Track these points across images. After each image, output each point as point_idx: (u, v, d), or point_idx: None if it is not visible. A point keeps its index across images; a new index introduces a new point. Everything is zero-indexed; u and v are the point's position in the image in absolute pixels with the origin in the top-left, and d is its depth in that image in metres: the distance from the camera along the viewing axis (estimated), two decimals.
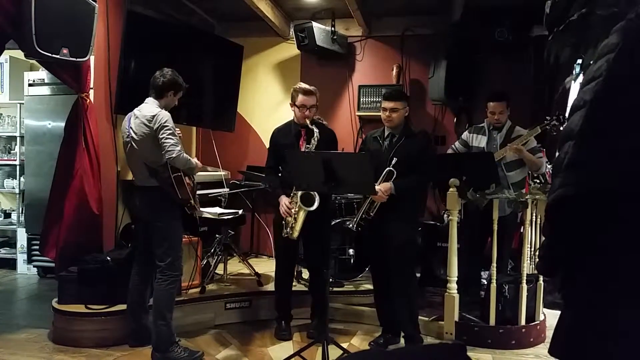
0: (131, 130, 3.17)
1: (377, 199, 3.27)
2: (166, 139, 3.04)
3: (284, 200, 3.53)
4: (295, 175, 3.27)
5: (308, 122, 3.52)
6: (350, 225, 3.35)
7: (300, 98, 3.53)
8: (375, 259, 3.53)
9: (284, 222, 3.52)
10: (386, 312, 3.54)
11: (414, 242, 3.41)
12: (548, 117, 3.83)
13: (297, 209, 3.46)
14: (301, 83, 3.68)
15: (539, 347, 3.59)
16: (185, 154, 3.11)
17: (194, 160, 3.27)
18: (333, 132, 3.80)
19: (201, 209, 3.67)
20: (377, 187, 3.20)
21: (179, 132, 3.30)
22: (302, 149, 3.52)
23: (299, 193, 3.44)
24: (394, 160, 3.28)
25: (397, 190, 3.26)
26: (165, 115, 3.10)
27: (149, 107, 3.17)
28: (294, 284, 4.09)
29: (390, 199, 3.26)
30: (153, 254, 3.23)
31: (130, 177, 4.38)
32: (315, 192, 3.40)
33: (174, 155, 3.03)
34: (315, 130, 3.50)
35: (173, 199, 3.15)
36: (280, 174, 3.71)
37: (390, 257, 3.34)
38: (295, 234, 3.48)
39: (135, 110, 3.21)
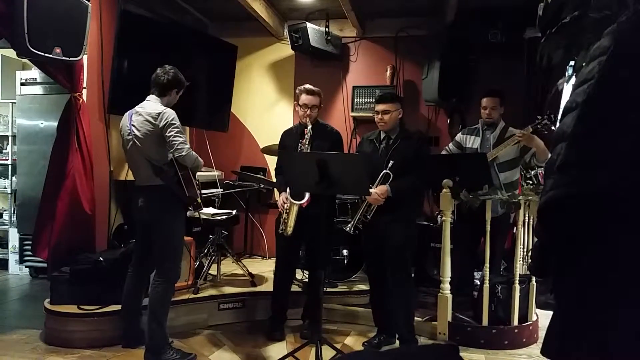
0: (133, 128, 3.11)
1: (373, 201, 3.28)
2: (174, 136, 3.02)
3: (282, 196, 3.57)
4: (290, 176, 3.27)
5: (308, 121, 3.57)
6: (348, 228, 3.36)
7: (303, 97, 3.61)
8: (372, 260, 3.53)
9: (281, 219, 3.55)
10: (382, 313, 3.54)
11: (411, 244, 3.42)
12: (539, 117, 3.85)
13: (288, 204, 3.48)
14: (307, 84, 3.71)
15: (532, 347, 3.61)
16: (193, 152, 3.10)
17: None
18: (338, 132, 3.82)
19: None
20: (373, 190, 3.21)
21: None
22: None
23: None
24: (391, 163, 3.28)
25: (394, 193, 3.26)
26: (171, 113, 3.07)
27: (153, 105, 3.12)
28: None
29: (387, 201, 3.27)
30: (152, 256, 3.19)
31: (123, 177, 4.38)
32: None
33: (183, 154, 3.01)
34: (308, 127, 3.54)
35: (178, 199, 3.10)
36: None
37: (387, 259, 3.35)
38: (289, 230, 3.49)
39: (137, 108, 3.15)
